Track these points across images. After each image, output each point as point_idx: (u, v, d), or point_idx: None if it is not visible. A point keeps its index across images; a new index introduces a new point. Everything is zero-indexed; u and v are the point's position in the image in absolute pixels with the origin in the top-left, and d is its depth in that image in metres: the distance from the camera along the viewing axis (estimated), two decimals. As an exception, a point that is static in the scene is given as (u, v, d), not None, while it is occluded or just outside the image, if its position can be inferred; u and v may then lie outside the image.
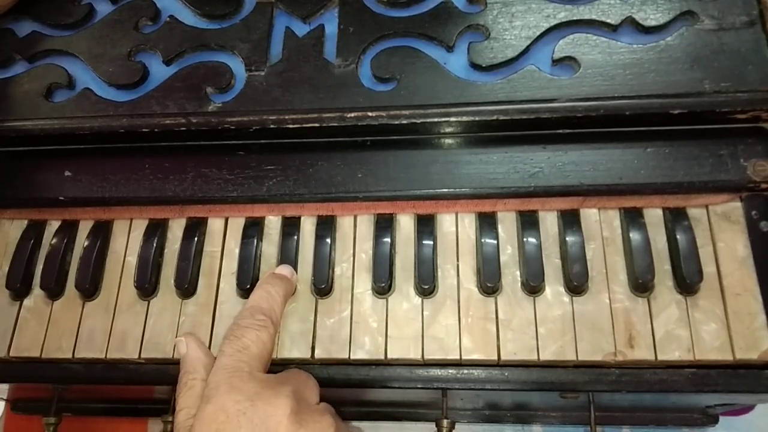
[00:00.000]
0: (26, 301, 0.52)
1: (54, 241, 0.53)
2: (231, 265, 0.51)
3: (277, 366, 0.48)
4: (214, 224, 0.53)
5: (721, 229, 0.47)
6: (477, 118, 0.48)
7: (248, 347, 0.42)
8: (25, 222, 0.55)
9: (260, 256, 0.51)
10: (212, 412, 0.39)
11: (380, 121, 0.49)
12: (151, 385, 0.54)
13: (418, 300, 0.48)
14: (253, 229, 0.52)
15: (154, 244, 0.52)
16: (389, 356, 0.47)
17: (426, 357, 0.47)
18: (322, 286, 0.49)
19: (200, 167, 0.51)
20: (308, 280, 0.49)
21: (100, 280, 0.52)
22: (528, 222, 0.49)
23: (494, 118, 0.48)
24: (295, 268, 0.50)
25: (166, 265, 0.52)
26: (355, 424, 0.62)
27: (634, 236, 0.47)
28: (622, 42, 0.49)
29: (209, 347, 0.49)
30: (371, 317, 0.48)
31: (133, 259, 0.52)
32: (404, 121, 0.49)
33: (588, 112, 0.47)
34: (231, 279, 0.51)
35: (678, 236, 0.46)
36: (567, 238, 0.48)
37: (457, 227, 0.50)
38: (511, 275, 0.48)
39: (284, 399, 0.40)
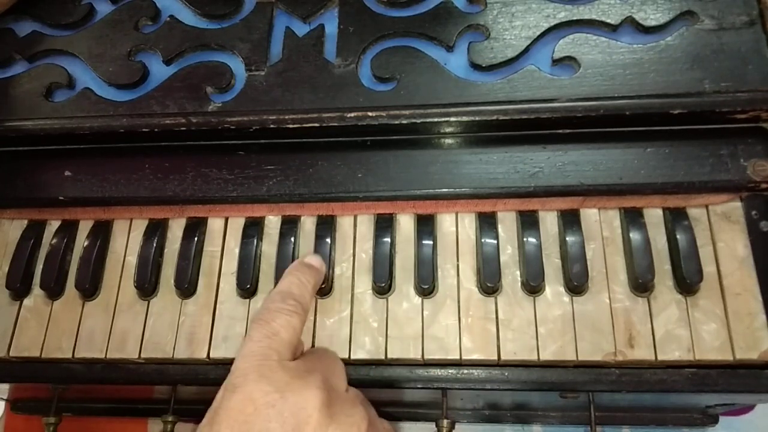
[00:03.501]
0: (26, 301, 0.52)
1: (54, 241, 0.53)
2: (231, 264, 0.51)
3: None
4: (214, 224, 0.53)
5: (721, 229, 0.47)
6: (477, 118, 0.48)
7: (278, 332, 0.41)
8: (25, 222, 0.55)
9: (260, 255, 0.51)
10: (240, 401, 0.37)
11: (380, 121, 0.49)
12: (151, 385, 0.54)
13: (418, 300, 0.48)
14: (253, 228, 0.52)
15: (154, 244, 0.52)
16: (389, 356, 0.47)
17: (426, 357, 0.47)
18: (322, 286, 0.49)
19: (200, 167, 0.51)
20: (308, 280, 0.49)
21: (100, 280, 0.52)
22: (528, 222, 0.49)
23: (494, 118, 0.48)
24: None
25: (166, 265, 0.52)
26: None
27: (634, 236, 0.47)
28: (622, 42, 0.49)
29: (209, 347, 0.49)
30: (371, 317, 0.48)
31: (133, 259, 0.52)
32: (404, 121, 0.49)
33: (588, 112, 0.47)
34: (231, 279, 0.51)
35: (678, 236, 0.46)
36: (567, 238, 0.48)
37: (457, 227, 0.50)
38: (511, 275, 0.48)
39: (314, 390, 0.38)
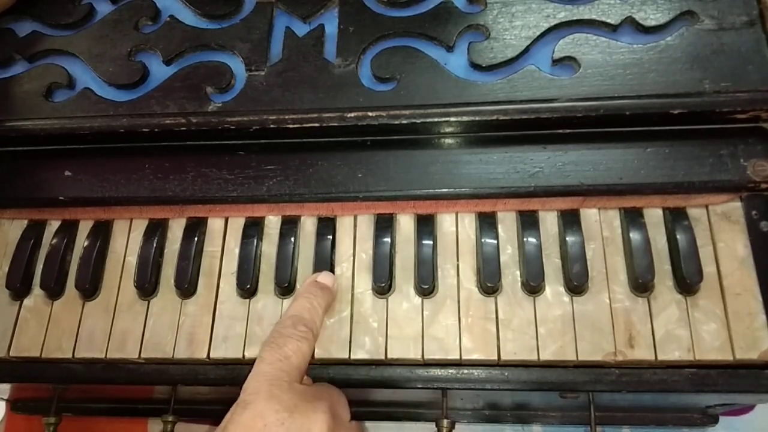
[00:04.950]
0: (26, 301, 0.52)
1: (54, 241, 0.53)
2: (231, 265, 0.51)
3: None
4: (214, 224, 0.53)
5: (721, 229, 0.47)
6: (477, 118, 0.48)
7: (289, 357, 0.42)
8: (25, 222, 0.55)
9: (260, 255, 0.51)
10: (250, 418, 0.39)
11: (380, 121, 0.49)
12: (151, 385, 0.54)
13: (418, 300, 0.48)
14: (253, 228, 0.52)
15: (154, 244, 0.52)
16: (389, 356, 0.47)
17: (426, 357, 0.47)
18: (322, 286, 0.49)
19: (200, 167, 0.51)
20: (308, 280, 0.49)
21: (100, 280, 0.52)
22: (528, 222, 0.49)
23: (494, 118, 0.48)
24: (295, 268, 0.50)
25: (166, 265, 0.52)
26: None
27: (634, 236, 0.47)
28: (622, 42, 0.49)
29: (209, 347, 0.49)
30: (371, 317, 0.48)
31: (133, 259, 0.52)
32: (404, 121, 0.49)
33: (588, 112, 0.47)
34: (231, 279, 0.51)
35: (678, 236, 0.46)
36: (567, 238, 0.48)
37: (457, 227, 0.50)
38: (511, 275, 0.48)
39: (321, 414, 0.40)
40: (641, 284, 0.46)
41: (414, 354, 0.47)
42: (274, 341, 0.43)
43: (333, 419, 0.40)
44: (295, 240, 0.51)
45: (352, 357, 0.47)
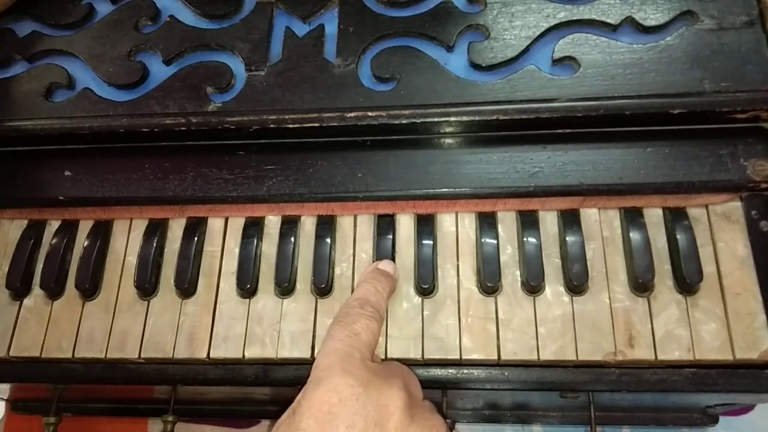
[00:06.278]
0: (26, 301, 0.52)
1: (54, 241, 0.53)
2: (231, 264, 0.51)
3: (277, 365, 0.48)
4: (214, 224, 0.53)
5: (721, 229, 0.47)
6: (477, 118, 0.48)
7: (359, 334, 0.41)
8: (25, 222, 0.55)
9: (260, 255, 0.51)
10: (324, 392, 0.38)
11: (380, 121, 0.49)
12: (151, 385, 0.54)
13: (418, 300, 0.48)
14: (253, 228, 0.52)
15: (154, 244, 0.52)
16: (389, 356, 0.47)
17: (426, 357, 0.47)
18: (322, 286, 0.49)
19: (200, 167, 0.51)
20: (308, 280, 0.49)
21: (100, 280, 0.52)
22: (528, 222, 0.49)
23: (494, 118, 0.48)
24: (295, 268, 0.50)
25: (166, 264, 0.52)
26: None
27: (634, 236, 0.47)
28: (622, 42, 0.49)
29: (209, 347, 0.49)
30: (371, 317, 0.48)
31: (133, 259, 0.52)
32: (404, 121, 0.49)
33: (588, 112, 0.47)
34: (231, 279, 0.51)
35: (678, 236, 0.46)
36: (567, 238, 0.48)
37: (457, 227, 0.50)
38: (511, 275, 0.48)
39: (397, 391, 0.39)
40: (641, 284, 0.46)
41: (414, 354, 0.47)
42: (343, 320, 0.43)
43: (408, 396, 0.40)
44: (295, 240, 0.51)
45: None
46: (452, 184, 0.49)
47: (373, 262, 0.49)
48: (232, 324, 0.49)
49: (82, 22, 0.57)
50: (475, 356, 0.46)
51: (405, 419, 0.38)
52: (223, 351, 0.49)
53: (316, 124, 0.50)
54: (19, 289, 0.52)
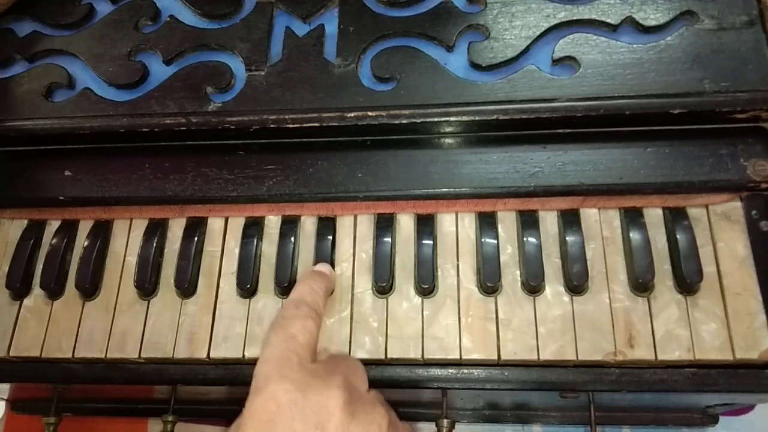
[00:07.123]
0: (26, 301, 0.52)
1: (54, 240, 0.53)
2: (231, 264, 0.51)
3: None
4: (214, 224, 0.53)
5: (721, 229, 0.47)
6: (477, 118, 0.48)
7: (295, 336, 0.41)
8: (25, 222, 0.55)
9: (260, 255, 0.51)
10: (263, 401, 0.38)
11: (380, 121, 0.49)
12: (151, 384, 0.54)
13: (418, 300, 0.48)
14: (253, 228, 0.52)
15: (154, 244, 0.52)
16: (389, 356, 0.47)
17: (426, 357, 0.47)
18: (323, 286, 0.49)
19: (200, 167, 0.51)
20: (308, 280, 0.49)
21: (100, 279, 0.52)
22: (528, 222, 0.49)
23: (494, 117, 0.48)
24: (295, 268, 0.50)
25: (166, 264, 0.52)
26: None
27: (634, 236, 0.47)
28: (622, 42, 0.49)
29: (209, 347, 0.49)
30: (371, 317, 0.48)
31: (133, 259, 0.52)
32: (404, 121, 0.49)
33: (588, 112, 0.47)
34: (231, 279, 0.51)
35: (678, 236, 0.46)
36: (567, 238, 0.48)
37: (457, 227, 0.50)
38: (511, 275, 0.48)
39: (335, 390, 0.39)
40: (641, 284, 0.46)
41: (414, 354, 0.47)
42: (278, 324, 0.42)
43: (348, 393, 0.39)
44: (295, 240, 0.51)
45: (353, 357, 0.47)
46: (452, 184, 0.49)
47: (373, 261, 0.49)
48: (233, 324, 0.49)
49: (82, 22, 0.57)
50: (475, 356, 0.46)
51: (345, 417, 0.38)
52: (223, 351, 0.49)
53: (316, 124, 0.50)
54: (19, 289, 0.52)
